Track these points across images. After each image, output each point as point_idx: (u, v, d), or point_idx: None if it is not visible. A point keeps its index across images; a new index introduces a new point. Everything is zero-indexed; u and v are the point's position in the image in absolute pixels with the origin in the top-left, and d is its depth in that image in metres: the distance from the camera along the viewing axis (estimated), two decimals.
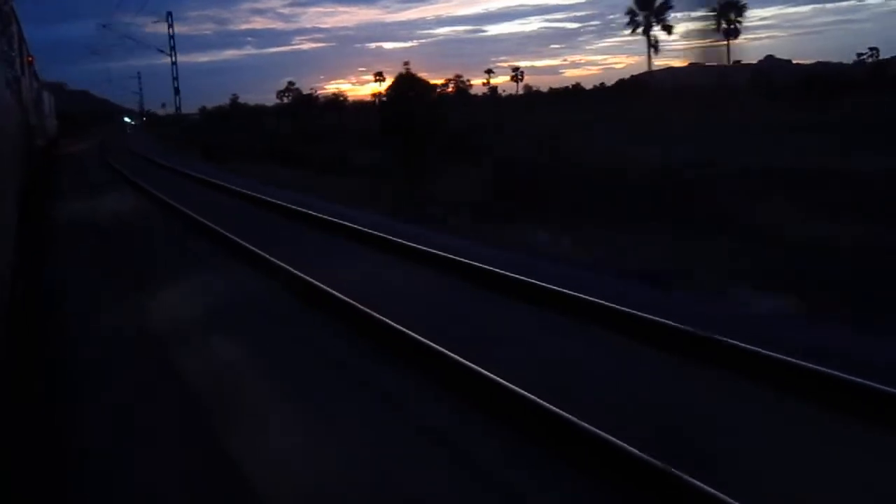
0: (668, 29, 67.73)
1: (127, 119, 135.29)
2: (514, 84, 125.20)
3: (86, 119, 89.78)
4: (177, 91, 46.10)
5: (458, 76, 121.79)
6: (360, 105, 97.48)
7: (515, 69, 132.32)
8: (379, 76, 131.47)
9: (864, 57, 74.22)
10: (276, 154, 31.55)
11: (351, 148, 31.34)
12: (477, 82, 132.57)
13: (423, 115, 23.60)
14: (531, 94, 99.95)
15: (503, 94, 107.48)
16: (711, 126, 27.87)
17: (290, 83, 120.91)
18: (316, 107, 79.68)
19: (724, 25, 71.48)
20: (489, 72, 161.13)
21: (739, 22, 72.97)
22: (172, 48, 44.92)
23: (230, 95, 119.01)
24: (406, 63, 33.40)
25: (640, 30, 67.52)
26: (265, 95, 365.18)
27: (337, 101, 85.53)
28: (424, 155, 20.36)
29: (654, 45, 68.72)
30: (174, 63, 45.31)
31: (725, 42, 72.23)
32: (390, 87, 30.90)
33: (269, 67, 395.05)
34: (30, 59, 22.82)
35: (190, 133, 55.77)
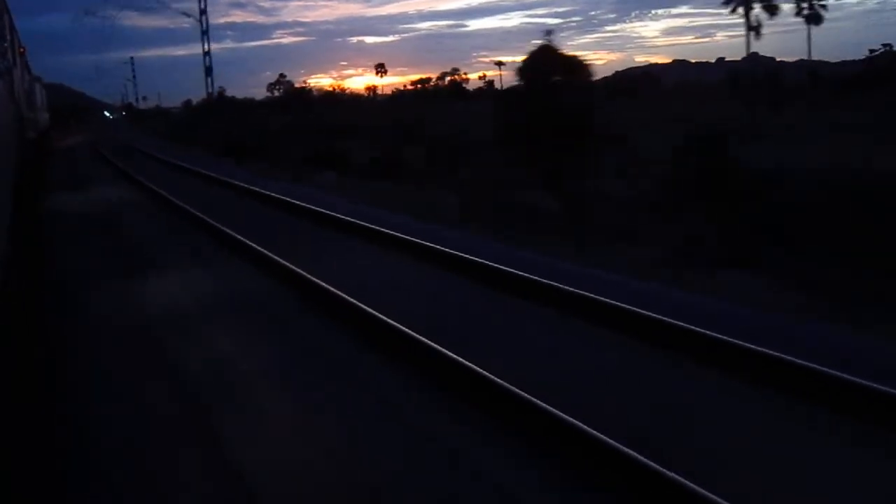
0: (772, 10, 57.73)
1: (106, 113, 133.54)
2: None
3: (67, 113, 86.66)
4: (208, 71, 36.92)
5: (455, 69, 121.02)
6: (356, 99, 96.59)
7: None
8: (380, 68, 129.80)
9: (877, 53, 71.21)
10: (315, 155, 25.76)
11: (396, 146, 27.01)
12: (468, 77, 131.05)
13: (573, 104, 18.48)
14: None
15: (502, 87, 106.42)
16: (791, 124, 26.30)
17: (282, 75, 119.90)
18: (309, 100, 78.64)
19: (805, 10, 61.80)
20: (500, 63, 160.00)
21: (823, 6, 63.14)
22: (203, 11, 36.66)
23: (217, 88, 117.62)
24: (549, 32, 25.27)
25: (739, 10, 57.50)
26: (247, 89, 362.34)
27: (334, 94, 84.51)
28: (584, 159, 15.53)
29: (755, 28, 58.30)
30: (205, 32, 36.39)
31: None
32: (524, 68, 24.61)
33: (249, 61, 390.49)
34: (21, 49, 21.89)
35: (182, 127, 54.09)
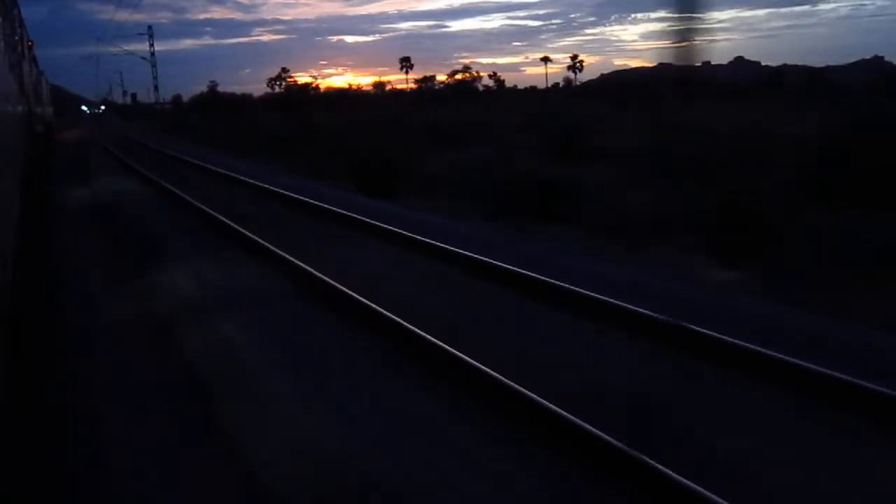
0: None
1: (84, 108, 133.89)
2: (573, 74, 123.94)
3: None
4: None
5: (467, 67, 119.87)
6: (363, 97, 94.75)
7: (574, 57, 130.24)
8: (406, 62, 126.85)
9: None
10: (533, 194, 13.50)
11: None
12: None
13: None
14: (570, 89, 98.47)
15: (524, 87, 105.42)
16: None
17: (284, 69, 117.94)
18: (315, 97, 77.95)
19: None
20: (546, 59, 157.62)
21: None
22: None
23: (207, 83, 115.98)
24: None
25: None
26: (232, 85, 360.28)
27: (349, 90, 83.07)
28: None
29: None
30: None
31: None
32: None
33: (227, 58, 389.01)
34: (30, 43, 21.66)
35: (199, 126, 52.10)
